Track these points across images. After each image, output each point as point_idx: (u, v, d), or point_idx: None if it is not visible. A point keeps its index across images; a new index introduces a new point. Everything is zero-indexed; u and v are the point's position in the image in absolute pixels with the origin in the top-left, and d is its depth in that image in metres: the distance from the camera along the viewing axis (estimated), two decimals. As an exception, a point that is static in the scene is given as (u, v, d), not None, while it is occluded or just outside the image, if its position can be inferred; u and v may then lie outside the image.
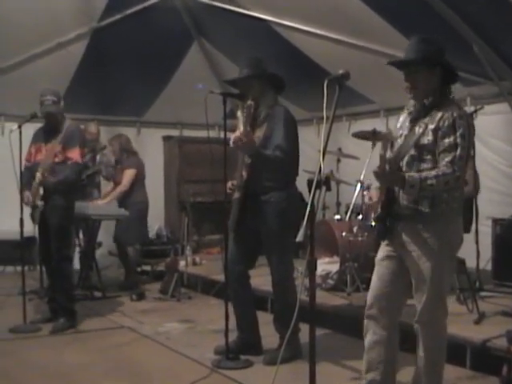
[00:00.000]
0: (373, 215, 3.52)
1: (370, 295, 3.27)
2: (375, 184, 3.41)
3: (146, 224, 7.20)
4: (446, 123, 3.01)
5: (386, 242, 3.27)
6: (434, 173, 2.97)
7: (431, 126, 3.05)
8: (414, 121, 3.17)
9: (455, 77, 3.20)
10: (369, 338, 3.24)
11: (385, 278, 3.22)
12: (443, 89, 3.16)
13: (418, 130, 3.10)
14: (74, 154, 5.19)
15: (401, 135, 3.24)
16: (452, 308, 4.64)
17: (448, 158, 2.97)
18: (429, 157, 3.06)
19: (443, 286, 3.15)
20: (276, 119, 4.26)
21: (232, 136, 4.09)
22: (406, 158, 3.12)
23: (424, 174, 2.99)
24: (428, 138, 3.05)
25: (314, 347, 2.52)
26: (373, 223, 3.42)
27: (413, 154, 3.10)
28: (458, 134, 2.99)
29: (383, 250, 3.29)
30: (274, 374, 3.01)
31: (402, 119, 3.31)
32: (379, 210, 3.25)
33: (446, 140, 2.99)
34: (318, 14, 6.29)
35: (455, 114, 3.02)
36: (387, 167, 3.04)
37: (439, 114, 3.05)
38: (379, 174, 3.04)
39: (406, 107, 3.31)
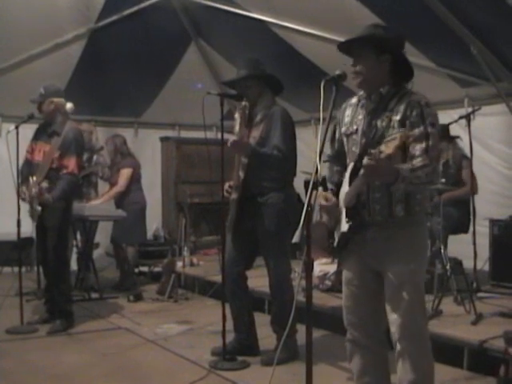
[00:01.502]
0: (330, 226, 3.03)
1: (346, 319, 3.01)
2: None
3: (144, 224, 7.19)
4: (414, 112, 2.74)
5: (350, 258, 2.96)
6: (417, 164, 2.66)
7: (396, 118, 2.77)
8: (373, 113, 2.86)
9: (410, 72, 2.91)
10: (358, 365, 2.99)
11: (360, 300, 2.95)
12: (396, 80, 2.87)
13: (381, 123, 2.80)
14: (71, 163, 5.12)
15: (356, 130, 2.91)
16: (449, 309, 4.70)
17: (422, 148, 2.69)
18: (398, 153, 2.69)
19: (423, 294, 2.89)
20: (273, 119, 4.25)
21: (229, 141, 4.09)
22: None
23: (409, 165, 2.67)
24: (395, 132, 2.74)
25: (310, 348, 2.51)
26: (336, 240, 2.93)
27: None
28: (427, 122, 2.72)
29: (350, 268, 2.99)
30: (270, 375, 3.00)
31: (351, 112, 3.00)
32: (345, 219, 2.84)
33: (416, 130, 2.71)
34: (316, 15, 6.29)
35: (422, 102, 2.76)
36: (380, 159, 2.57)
37: (403, 104, 2.77)
38: (375, 168, 2.56)
39: (351, 99, 3.06)
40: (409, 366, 2.79)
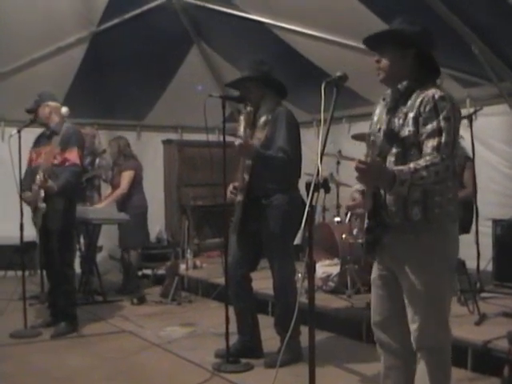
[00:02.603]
0: (359, 225, 2.99)
1: (372, 319, 2.93)
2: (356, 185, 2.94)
3: (146, 227, 7.20)
4: (427, 107, 2.62)
5: (377, 258, 2.88)
6: (422, 163, 2.53)
7: (411, 114, 2.66)
8: (393, 111, 2.77)
9: (435, 67, 2.82)
10: (382, 365, 2.92)
11: (382, 301, 2.87)
12: (421, 76, 2.76)
13: (398, 121, 2.71)
14: (72, 156, 5.16)
15: (379, 130, 2.80)
16: (453, 309, 4.65)
17: (433, 145, 2.57)
18: (414, 151, 2.65)
19: (442, 305, 2.75)
20: (278, 121, 4.24)
21: (235, 142, 4.08)
22: (389, 158, 2.70)
23: (412, 165, 2.54)
24: (409, 129, 2.65)
25: (313, 349, 2.50)
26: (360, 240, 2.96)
27: (396, 152, 2.69)
28: (441, 117, 2.59)
29: (375, 267, 2.91)
30: (274, 377, 3.00)
31: (379, 111, 2.89)
32: (366, 219, 2.82)
33: (429, 126, 2.60)
34: (317, 16, 6.29)
35: (436, 96, 2.62)
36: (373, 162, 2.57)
37: (419, 100, 2.66)
38: (364, 171, 2.51)
39: (381, 97, 2.94)
40: (425, 376, 2.72)
